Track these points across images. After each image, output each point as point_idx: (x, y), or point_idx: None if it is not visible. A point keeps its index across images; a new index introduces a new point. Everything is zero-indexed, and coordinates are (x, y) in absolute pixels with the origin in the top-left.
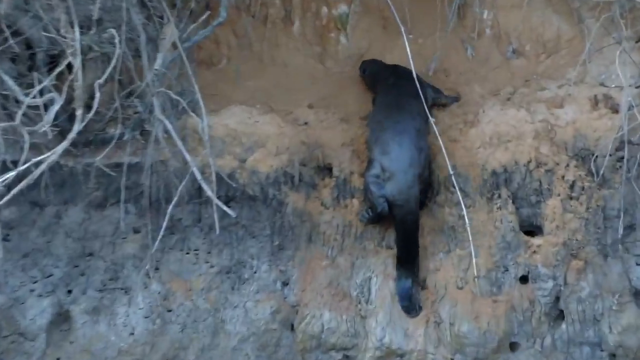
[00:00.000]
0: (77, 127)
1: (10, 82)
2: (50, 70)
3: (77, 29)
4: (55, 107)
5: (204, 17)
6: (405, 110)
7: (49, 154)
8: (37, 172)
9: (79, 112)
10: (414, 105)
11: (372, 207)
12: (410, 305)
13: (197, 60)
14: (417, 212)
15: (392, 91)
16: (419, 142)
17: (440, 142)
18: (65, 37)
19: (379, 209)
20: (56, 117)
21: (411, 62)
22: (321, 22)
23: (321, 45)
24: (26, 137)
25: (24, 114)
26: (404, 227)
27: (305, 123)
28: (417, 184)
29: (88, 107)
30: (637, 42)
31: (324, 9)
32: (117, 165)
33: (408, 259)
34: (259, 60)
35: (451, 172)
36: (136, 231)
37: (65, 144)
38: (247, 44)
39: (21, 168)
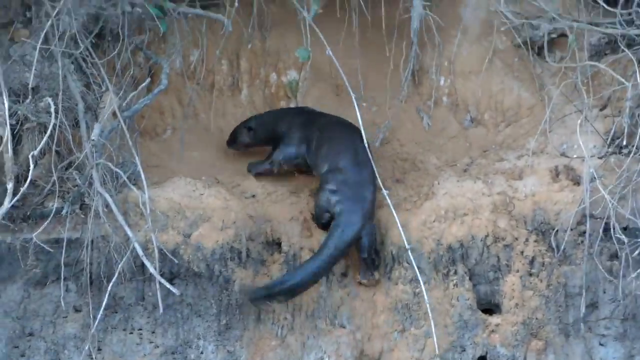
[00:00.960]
0: (7, 201)
1: None
2: None
3: (5, 98)
4: None
5: (144, 84)
6: (362, 145)
7: None
8: None
9: (9, 186)
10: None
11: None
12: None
13: (140, 130)
14: (352, 242)
15: (337, 127)
16: (374, 179)
17: (395, 216)
18: None
19: (322, 221)
20: None
21: (361, 128)
22: (270, 89)
23: None
24: None
25: None
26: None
27: (253, 196)
28: (366, 219)
29: (25, 180)
30: (601, 109)
31: (273, 76)
32: (57, 241)
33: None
34: (205, 129)
35: (407, 246)
36: (77, 310)
37: None
38: (192, 113)
39: None
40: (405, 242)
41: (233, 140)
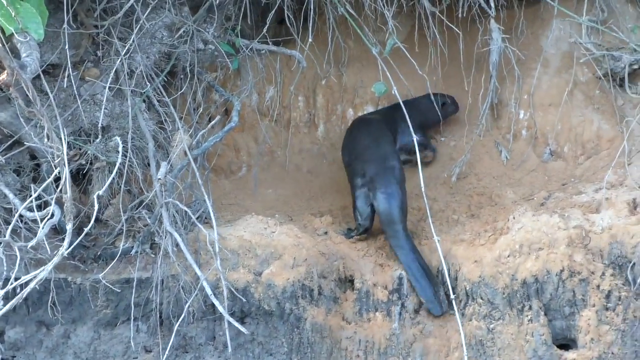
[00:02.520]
0: (67, 241)
1: (10, 195)
2: (56, 182)
3: (63, 138)
4: (53, 221)
5: (214, 122)
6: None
7: (38, 270)
8: (26, 290)
9: (69, 227)
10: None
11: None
12: (435, 305)
13: (215, 168)
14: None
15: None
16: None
17: (441, 258)
18: (51, 147)
19: (363, 218)
20: (63, 231)
21: (420, 175)
22: (347, 125)
23: None
24: (17, 252)
25: (30, 229)
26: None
27: (325, 233)
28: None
29: (97, 220)
30: None
31: (350, 111)
32: (127, 281)
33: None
34: (281, 167)
35: (452, 296)
36: (148, 350)
37: (55, 260)
38: (267, 150)
39: (10, 286)
40: (451, 293)
41: None
